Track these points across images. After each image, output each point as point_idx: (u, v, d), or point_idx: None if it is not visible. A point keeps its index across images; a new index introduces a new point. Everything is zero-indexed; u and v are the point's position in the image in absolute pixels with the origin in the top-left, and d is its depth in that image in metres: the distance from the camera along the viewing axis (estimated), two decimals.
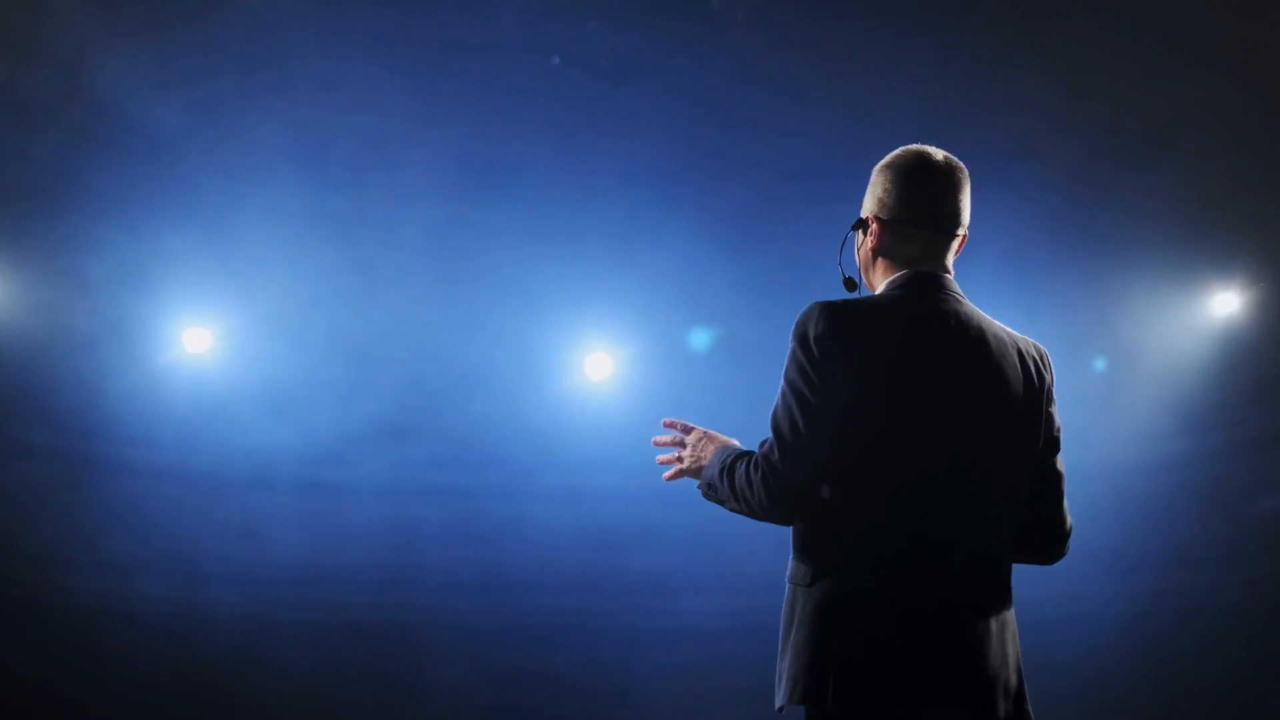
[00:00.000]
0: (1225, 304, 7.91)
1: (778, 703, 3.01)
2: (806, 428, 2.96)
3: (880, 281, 3.23)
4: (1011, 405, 3.08)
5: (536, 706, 9.05)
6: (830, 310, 3.04)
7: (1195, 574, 7.98)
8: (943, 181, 3.19)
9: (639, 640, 9.08)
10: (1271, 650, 7.80)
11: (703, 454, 3.28)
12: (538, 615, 9.13)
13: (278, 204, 7.74)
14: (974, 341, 3.10)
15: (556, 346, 8.64)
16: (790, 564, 3.06)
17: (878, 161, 3.24)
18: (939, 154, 3.21)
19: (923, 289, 3.15)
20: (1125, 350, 8.03)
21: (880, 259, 3.23)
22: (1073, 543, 3.19)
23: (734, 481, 3.08)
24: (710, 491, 3.20)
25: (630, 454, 8.50)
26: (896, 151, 3.25)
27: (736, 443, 3.28)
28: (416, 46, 7.41)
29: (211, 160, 7.59)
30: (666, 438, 3.39)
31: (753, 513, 3.06)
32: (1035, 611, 8.16)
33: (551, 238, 8.03)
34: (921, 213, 3.19)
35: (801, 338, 3.03)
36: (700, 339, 8.53)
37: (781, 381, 3.04)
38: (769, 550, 8.52)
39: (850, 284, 3.34)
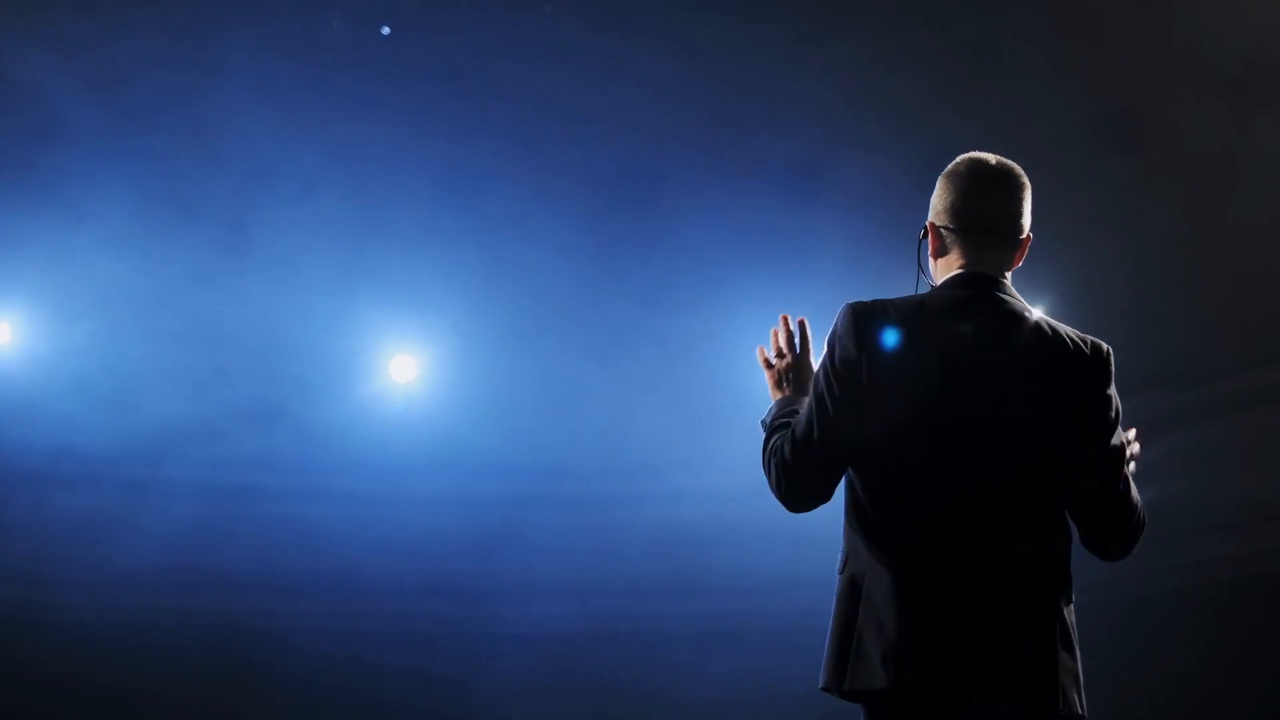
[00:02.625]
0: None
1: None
2: (819, 432, 3.08)
3: (941, 280, 3.30)
4: (1045, 400, 3.10)
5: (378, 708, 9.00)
6: (856, 314, 3.13)
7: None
8: (989, 186, 3.25)
9: (477, 647, 9.06)
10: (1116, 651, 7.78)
11: (779, 380, 3.42)
12: (376, 620, 9.11)
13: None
14: (1005, 340, 3.13)
15: (361, 349, 8.63)
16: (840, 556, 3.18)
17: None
18: (991, 159, 3.28)
19: (962, 288, 3.20)
20: None
21: (938, 262, 3.31)
22: None
23: (767, 451, 3.23)
24: (762, 428, 3.33)
25: (444, 456, 8.77)
26: (954, 160, 3.33)
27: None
28: (252, 29, 7.38)
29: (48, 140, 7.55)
30: (777, 341, 3.50)
31: (771, 488, 3.22)
32: None
33: (355, 233, 8.03)
34: (967, 217, 3.24)
35: (830, 339, 3.15)
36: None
37: (815, 379, 3.18)
38: (608, 555, 8.76)
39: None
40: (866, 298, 3.19)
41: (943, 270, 3.28)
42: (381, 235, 8.16)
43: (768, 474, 3.21)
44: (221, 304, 8.22)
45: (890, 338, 3.09)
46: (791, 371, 3.41)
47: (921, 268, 3.34)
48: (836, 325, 3.14)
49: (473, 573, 9.00)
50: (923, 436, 3.04)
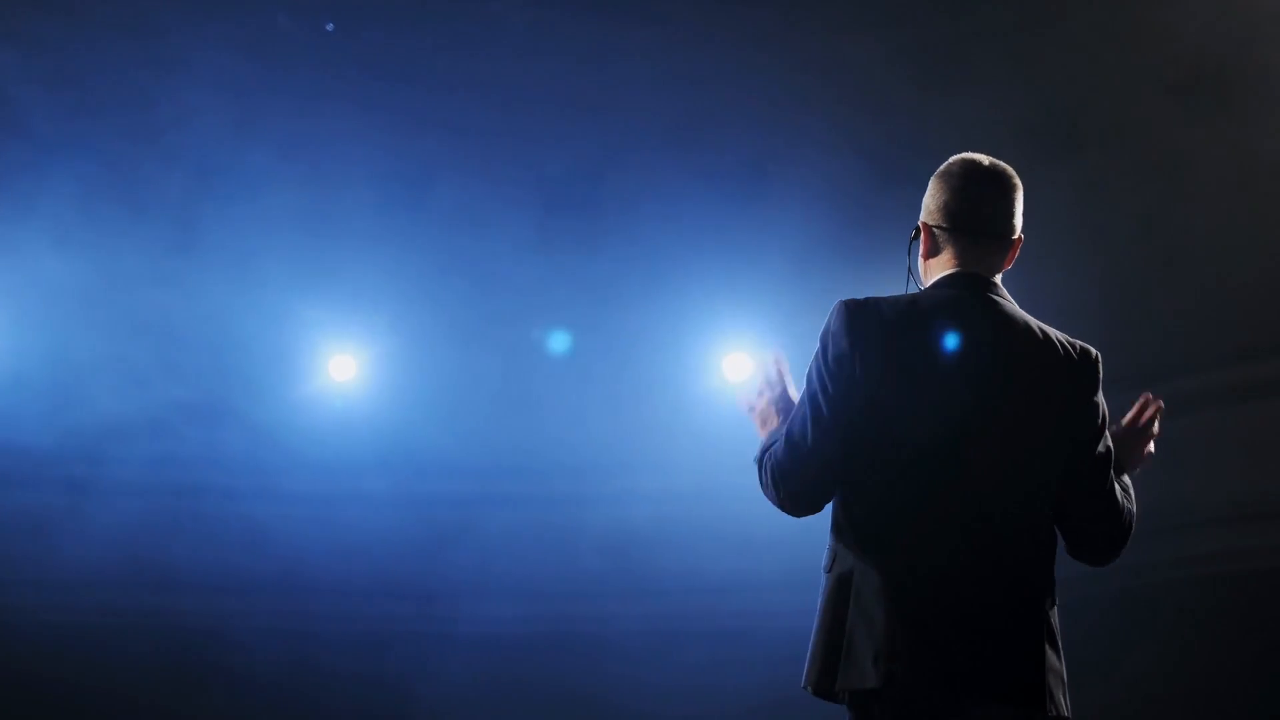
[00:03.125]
0: None
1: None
2: (813, 432, 3.05)
3: (930, 283, 3.30)
4: (1036, 403, 3.11)
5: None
6: (847, 311, 3.12)
7: None
8: (985, 186, 3.26)
9: (424, 647, 8.99)
10: None
11: (768, 414, 3.32)
12: (324, 620, 9.03)
13: None
14: (998, 340, 3.13)
15: (309, 346, 8.57)
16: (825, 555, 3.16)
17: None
18: (985, 160, 3.29)
19: (955, 288, 3.20)
20: None
21: (929, 263, 3.30)
22: None
23: (760, 465, 3.19)
24: (756, 459, 3.28)
25: (393, 455, 8.70)
26: (946, 161, 3.34)
27: None
28: (204, 27, 7.36)
29: None
30: (764, 373, 3.42)
31: (769, 500, 3.19)
32: (804, 621, 8.30)
33: (305, 229, 8.00)
34: (961, 217, 3.25)
35: (822, 337, 3.13)
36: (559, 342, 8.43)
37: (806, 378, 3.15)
38: (553, 557, 8.74)
39: None
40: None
41: (934, 270, 3.27)
42: (332, 232, 8.13)
43: (766, 487, 3.16)
44: (169, 300, 8.15)
45: (884, 335, 3.08)
46: (775, 405, 3.34)
47: (911, 268, 3.35)
48: (829, 323, 3.12)
49: (420, 573, 8.96)
50: (916, 436, 3.03)
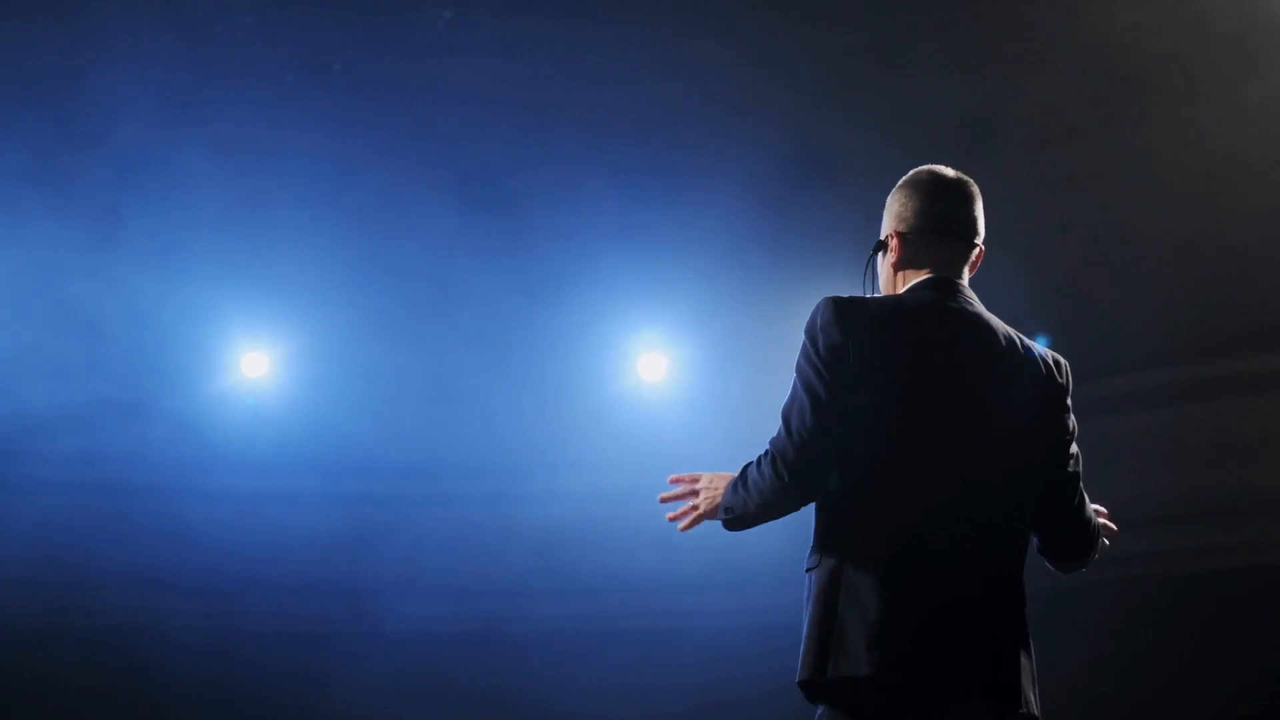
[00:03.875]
0: None
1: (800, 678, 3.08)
2: (813, 420, 3.04)
3: (897, 291, 3.31)
4: (1018, 406, 3.15)
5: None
6: (838, 305, 3.13)
7: None
8: (955, 192, 3.32)
9: (348, 646, 8.91)
10: None
11: (715, 493, 3.31)
12: (246, 618, 8.92)
13: None
14: (982, 342, 3.17)
15: (234, 342, 8.50)
16: (809, 554, 3.13)
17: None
18: (950, 170, 3.35)
19: (935, 290, 3.23)
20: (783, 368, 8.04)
21: (901, 272, 3.31)
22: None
23: (748, 484, 3.17)
24: (730, 513, 3.24)
25: (319, 452, 8.63)
26: (909, 172, 3.37)
27: None
28: (130, 18, 7.32)
29: None
30: (674, 492, 3.43)
31: (770, 505, 3.13)
32: (725, 622, 8.34)
33: (231, 224, 7.98)
34: (937, 221, 3.29)
35: (810, 331, 3.12)
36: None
37: (795, 375, 3.12)
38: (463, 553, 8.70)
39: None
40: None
41: (908, 276, 3.29)
42: (257, 227, 8.05)
43: (763, 487, 3.12)
44: (92, 292, 8.06)
45: (875, 329, 3.09)
46: (712, 482, 3.34)
47: (873, 279, 3.36)
48: (817, 318, 3.13)
49: (345, 571, 8.89)
50: (906, 431, 3.05)
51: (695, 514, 3.35)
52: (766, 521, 3.19)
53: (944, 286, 3.24)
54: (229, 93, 7.69)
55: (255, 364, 8.55)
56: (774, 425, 3.08)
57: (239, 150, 7.85)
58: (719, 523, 3.29)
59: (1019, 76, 7.17)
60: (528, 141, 7.82)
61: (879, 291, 3.34)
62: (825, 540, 3.08)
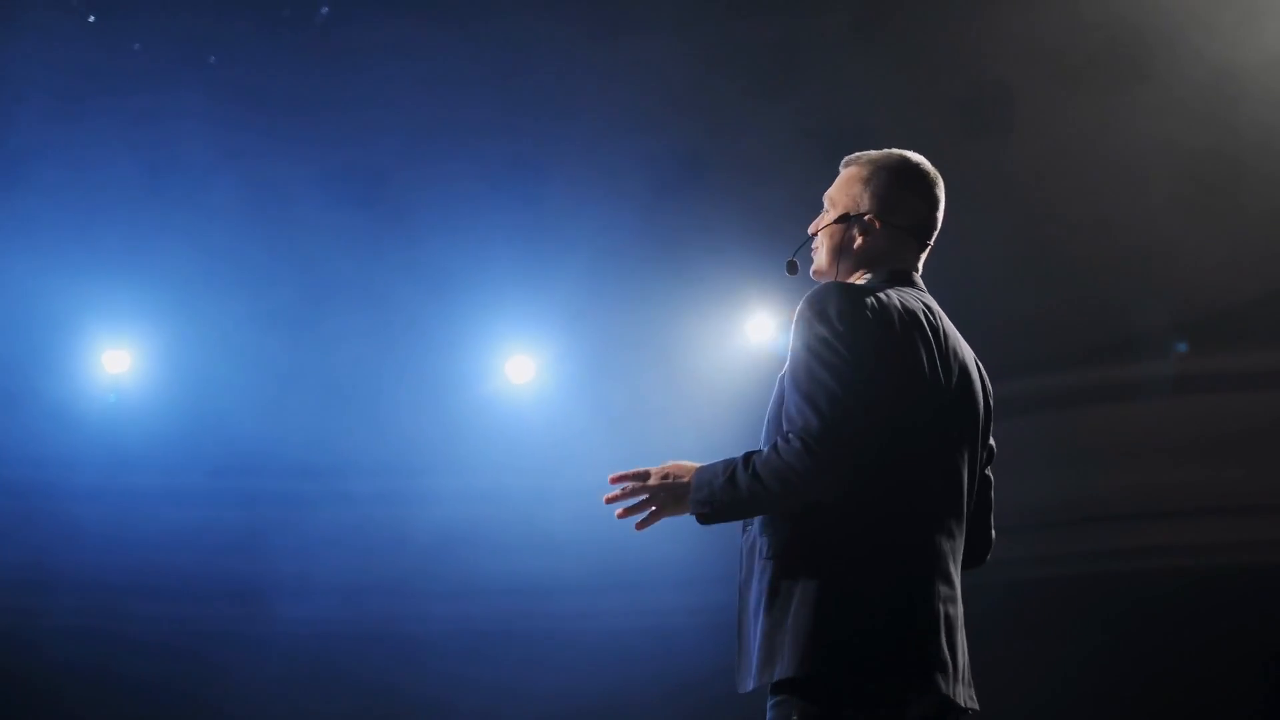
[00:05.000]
0: (760, 328, 8.17)
1: (755, 682, 2.95)
2: (844, 389, 2.87)
3: (854, 277, 3.20)
4: (978, 411, 3.13)
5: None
6: (845, 289, 3.02)
7: (730, 590, 8.02)
8: (937, 193, 3.24)
9: (238, 646, 8.82)
10: None
11: (675, 486, 3.10)
12: (132, 620, 8.84)
13: None
14: (955, 346, 3.12)
15: (120, 334, 8.41)
16: (771, 541, 2.98)
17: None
18: (929, 164, 3.25)
19: (914, 288, 3.16)
20: (672, 371, 8.23)
21: (865, 258, 3.19)
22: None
23: (757, 471, 2.92)
24: (710, 508, 3.01)
25: (209, 450, 8.54)
26: (894, 153, 3.24)
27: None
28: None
29: None
30: (620, 490, 3.17)
31: (794, 491, 2.89)
32: (618, 623, 8.38)
33: (106, 214, 7.93)
34: (919, 221, 3.22)
35: (822, 314, 2.96)
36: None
37: (805, 359, 2.94)
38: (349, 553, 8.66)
39: (793, 267, 3.35)
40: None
41: (867, 266, 3.19)
42: (146, 222, 7.99)
43: (782, 479, 2.88)
44: None
45: (881, 317, 2.98)
46: (666, 476, 3.13)
47: (833, 247, 3.21)
48: (827, 302, 2.98)
49: (234, 571, 8.82)
50: (908, 425, 2.95)
51: (652, 511, 3.12)
52: (771, 513, 2.97)
53: (918, 286, 3.19)
54: (108, 84, 7.64)
55: (119, 360, 8.44)
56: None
57: (121, 144, 7.79)
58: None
59: (888, 85, 7.24)
60: (406, 140, 7.82)
61: (826, 259, 3.23)
62: (810, 530, 2.93)
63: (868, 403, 2.88)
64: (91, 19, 7.27)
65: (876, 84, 7.25)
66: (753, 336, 8.18)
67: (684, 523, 3.19)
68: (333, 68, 7.56)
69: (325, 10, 7.35)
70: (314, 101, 7.68)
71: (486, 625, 8.71)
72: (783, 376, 3.06)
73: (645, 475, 3.15)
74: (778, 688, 2.91)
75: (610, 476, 3.19)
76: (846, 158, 3.29)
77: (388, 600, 8.79)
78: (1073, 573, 8.25)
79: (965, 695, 3.00)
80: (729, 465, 3.00)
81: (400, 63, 7.56)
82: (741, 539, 3.13)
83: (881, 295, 3.02)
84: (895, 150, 3.26)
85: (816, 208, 3.33)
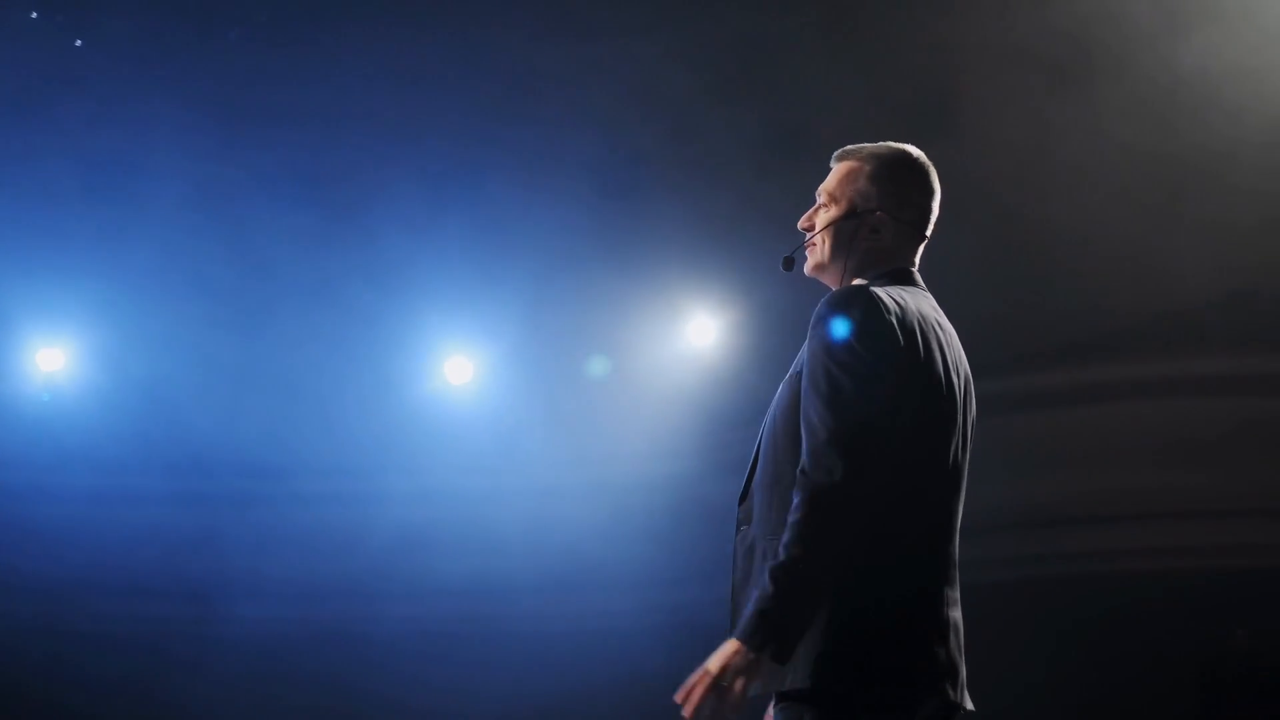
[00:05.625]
0: (702, 331, 8.22)
1: (769, 688, 2.82)
2: (866, 395, 2.77)
3: (859, 275, 3.09)
4: (970, 416, 3.07)
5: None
6: (870, 295, 2.88)
7: (682, 591, 8.12)
8: (936, 186, 3.16)
9: (191, 648, 8.75)
10: None
11: (728, 662, 2.72)
12: (82, 619, 8.73)
13: None
14: (958, 351, 3.05)
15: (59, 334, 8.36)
16: (777, 544, 2.82)
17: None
18: (924, 156, 3.18)
19: (920, 289, 3.07)
20: (615, 373, 8.24)
21: (871, 255, 3.09)
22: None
23: (788, 563, 2.70)
24: (781, 631, 2.71)
25: (161, 451, 8.52)
26: (895, 147, 3.16)
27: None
28: None
29: None
30: (692, 701, 2.77)
31: (828, 544, 2.71)
32: (570, 625, 8.44)
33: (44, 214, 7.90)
34: (923, 216, 3.13)
35: (844, 319, 2.86)
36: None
37: (826, 364, 2.82)
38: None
39: (789, 263, 3.23)
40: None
41: (875, 262, 3.10)
42: (75, 218, 7.95)
43: (825, 520, 2.71)
44: None
45: (903, 326, 2.89)
46: (712, 665, 2.77)
47: (837, 244, 3.12)
48: (847, 308, 2.88)
49: (188, 572, 8.74)
50: (925, 433, 2.90)
51: (730, 691, 2.73)
52: (823, 555, 2.72)
53: (920, 285, 3.11)
54: (46, 81, 7.61)
55: (54, 359, 8.37)
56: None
57: (62, 144, 7.76)
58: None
59: (828, 91, 7.26)
60: (353, 140, 7.83)
61: (828, 255, 3.13)
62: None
63: (888, 410, 2.79)
64: (34, 15, 7.24)
65: (825, 88, 7.28)
66: (694, 339, 8.24)
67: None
68: (284, 69, 7.57)
69: (268, 13, 7.36)
70: (262, 102, 7.69)
71: (439, 626, 8.70)
72: (791, 378, 2.97)
73: (706, 673, 2.78)
74: (786, 694, 2.83)
75: (676, 697, 2.81)
76: (840, 151, 3.21)
77: (340, 600, 8.76)
78: (1021, 576, 8.32)
79: (966, 698, 2.97)
80: (760, 588, 2.75)
81: (352, 64, 7.59)
82: (735, 537, 3.04)
83: (898, 299, 2.94)
84: (892, 143, 3.18)
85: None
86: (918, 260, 3.15)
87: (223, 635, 8.71)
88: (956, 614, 2.94)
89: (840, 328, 2.85)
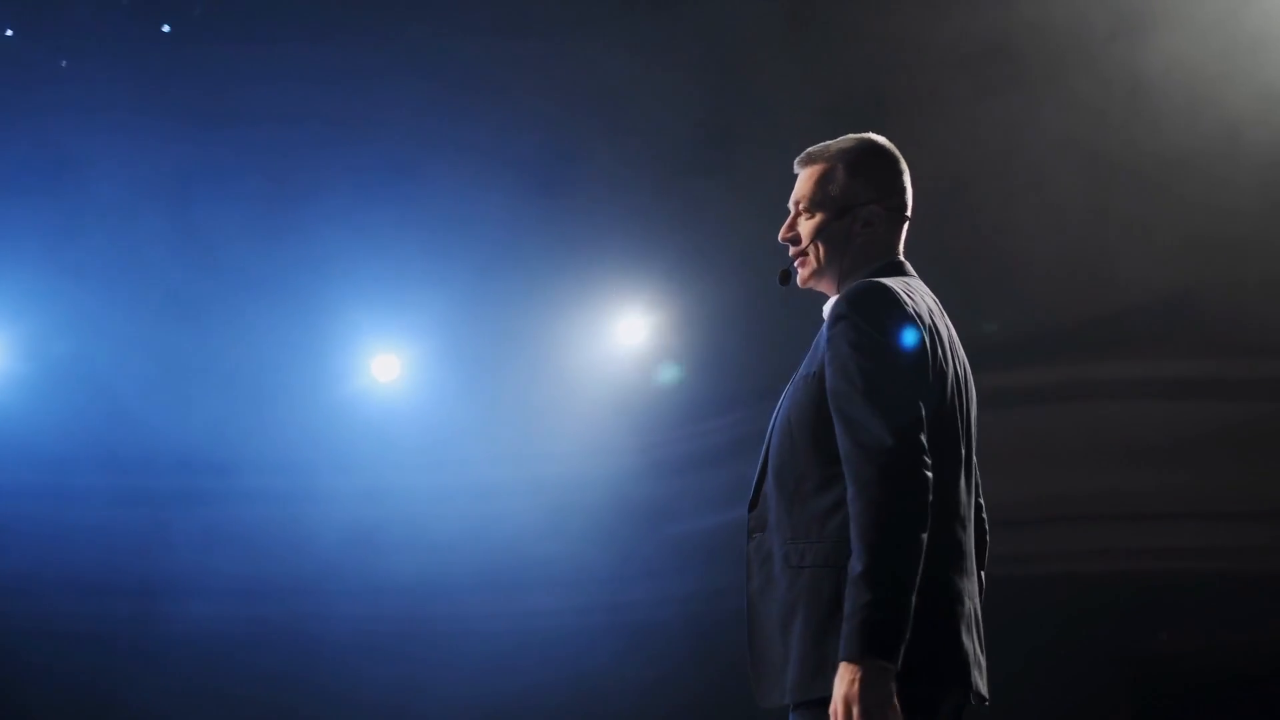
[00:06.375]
0: (632, 330, 8.28)
1: (796, 695, 2.81)
2: (900, 388, 2.78)
3: (856, 271, 3.08)
4: (974, 404, 3.08)
5: None
6: (885, 289, 2.89)
7: (622, 591, 8.19)
8: (907, 170, 3.17)
9: (136, 647, 8.71)
10: (689, 659, 8.01)
11: (853, 692, 2.66)
12: (19, 618, 8.64)
13: None
14: (956, 336, 3.07)
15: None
16: (802, 549, 2.86)
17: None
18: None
19: (918, 281, 3.07)
20: (544, 372, 8.30)
21: (865, 251, 3.09)
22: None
23: (873, 563, 2.67)
24: (887, 632, 2.67)
25: (104, 448, 8.42)
26: (863, 138, 3.15)
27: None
28: None
29: None
30: None
31: (908, 526, 2.70)
32: (504, 624, 8.44)
33: None
34: (906, 200, 3.14)
35: (865, 315, 2.85)
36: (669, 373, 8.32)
37: (856, 361, 2.81)
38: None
39: (786, 277, 3.19)
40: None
41: (870, 256, 3.10)
42: (16, 214, 8.00)
43: (890, 511, 2.70)
44: None
45: (917, 319, 2.92)
46: (841, 692, 2.71)
47: (834, 243, 3.10)
48: (866, 303, 2.89)
49: (132, 570, 8.68)
50: (945, 426, 2.92)
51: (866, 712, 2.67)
52: (920, 552, 2.71)
53: (915, 275, 3.13)
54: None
55: (31, 354, 8.32)
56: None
57: (12, 135, 7.83)
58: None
59: (753, 90, 7.33)
60: (262, 144, 7.87)
61: (823, 260, 3.12)
62: (846, 537, 2.78)
63: (920, 399, 2.81)
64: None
65: (752, 88, 7.35)
66: (623, 339, 8.29)
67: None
68: (221, 61, 7.63)
69: (203, 6, 7.37)
70: (203, 98, 7.75)
71: (384, 625, 8.66)
72: (802, 380, 2.98)
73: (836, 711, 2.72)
74: (806, 702, 2.81)
75: None
76: (803, 155, 3.20)
77: (285, 599, 8.71)
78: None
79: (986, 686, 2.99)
80: (850, 599, 2.71)
81: (289, 57, 7.64)
82: (748, 545, 3.03)
83: (905, 292, 2.95)
84: (856, 135, 3.18)
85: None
86: (902, 244, 3.16)
87: (169, 633, 8.67)
88: (977, 604, 2.97)
89: (865, 324, 2.85)
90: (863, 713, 2.64)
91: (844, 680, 2.67)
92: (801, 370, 3.00)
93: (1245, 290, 7.35)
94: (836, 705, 2.67)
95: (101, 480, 8.56)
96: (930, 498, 2.73)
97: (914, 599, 2.69)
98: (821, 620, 2.79)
